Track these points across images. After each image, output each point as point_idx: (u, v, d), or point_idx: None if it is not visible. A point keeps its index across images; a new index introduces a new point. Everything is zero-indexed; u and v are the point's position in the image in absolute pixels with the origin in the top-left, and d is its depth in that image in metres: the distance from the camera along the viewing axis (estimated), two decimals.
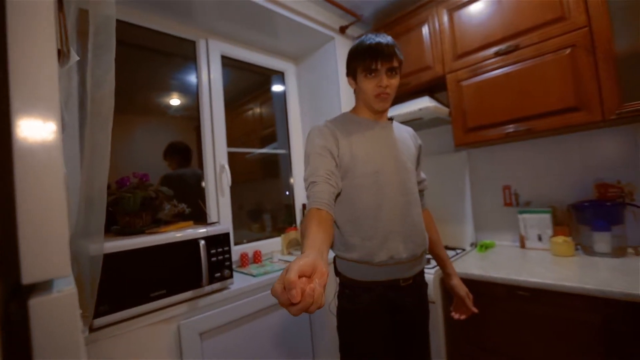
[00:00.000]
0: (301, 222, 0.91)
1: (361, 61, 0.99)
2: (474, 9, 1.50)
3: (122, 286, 0.95)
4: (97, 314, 0.89)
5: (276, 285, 0.48)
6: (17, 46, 0.28)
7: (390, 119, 1.11)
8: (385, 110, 1.07)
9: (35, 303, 0.28)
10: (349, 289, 1.01)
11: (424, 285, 1.10)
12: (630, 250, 1.32)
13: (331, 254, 1.07)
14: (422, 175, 1.18)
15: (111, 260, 0.92)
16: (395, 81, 1.01)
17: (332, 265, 1.11)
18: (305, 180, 0.96)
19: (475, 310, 1.15)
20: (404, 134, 1.12)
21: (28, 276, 0.27)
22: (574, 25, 1.23)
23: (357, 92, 1.07)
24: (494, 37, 1.44)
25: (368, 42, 0.98)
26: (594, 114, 1.20)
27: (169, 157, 1.57)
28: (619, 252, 1.30)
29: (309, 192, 0.92)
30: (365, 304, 0.98)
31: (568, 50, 1.25)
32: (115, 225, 1.14)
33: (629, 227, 1.34)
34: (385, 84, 0.98)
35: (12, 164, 0.27)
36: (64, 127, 0.77)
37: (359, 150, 0.99)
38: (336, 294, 1.07)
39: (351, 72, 1.05)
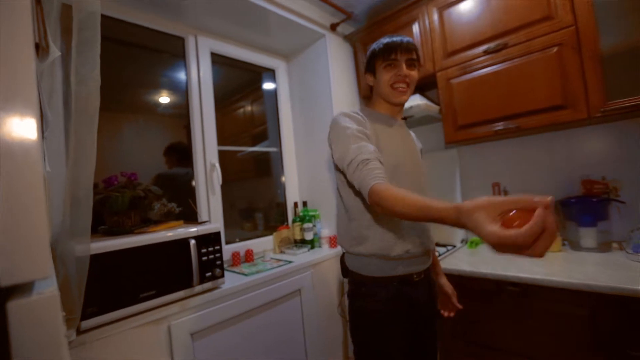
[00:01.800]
0: (376, 196, 0.80)
1: (381, 54, 1.02)
2: (463, 7, 1.51)
3: (110, 287, 0.94)
4: (85, 316, 0.87)
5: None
6: None
7: (404, 119, 1.14)
8: (401, 105, 1.08)
9: (14, 306, 0.27)
10: (364, 287, 0.99)
11: (433, 280, 1.11)
12: (615, 245, 1.36)
13: (338, 251, 1.07)
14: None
15: (99, 260, 0.90)
16: (415, 73, 1.03)
17: (340, 264, 1.11)
18: (351, 161, 0.88)
19: (460, 306, 1.16)
20: (412, 136, 1.18)
21: (6, 278, 0.27)
22: (560, 25, 1.25)
23: (375, 87, 1.08)
24: (483, 35, 1.45)
25: (388, 39, 1.03)
26: (580, 111, 1.23)
27: (167, 155, 1.57)
28: (604, 247, 1.33)
29: (363, 171, 0.85)
30: (383, 301, 0.96)
31: (555, 49, 1.27)
32: (103, 225, 1.12)
33: (614, 222, 1.37)
34: (404, 73, 1.00)
35: None
36: (47, 125, 0.75)
37: (383, 141, 0.99)
38: (346, 294, 1.07)
39: (370, 68, 1.07)
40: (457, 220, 0.60)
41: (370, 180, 0.82)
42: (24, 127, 0.27)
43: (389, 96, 1.04)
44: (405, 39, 1.02)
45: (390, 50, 1.01)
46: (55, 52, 0.59)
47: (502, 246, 0.51)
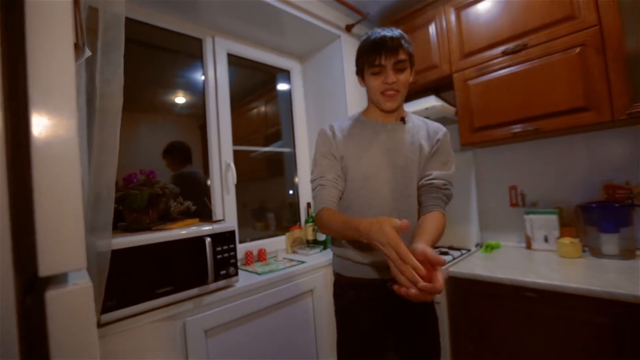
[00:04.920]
0: (318, 219, 0.98)
1: (366, 58, 0.95)
2: (481, 7, 1.49)
3: (128, 282, 0.96)
4: (104, 310, 0.90)
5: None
6: (35, 38, 0.28)
7: (403, 119, 1.04)
8: (394, 110, 1.01)
9: (52, 295, 0.28)
10: (337, 285, 1.06)
11: None
12: (639, 252, 1.31)
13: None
14: (435, 172, 0.99)
15: (118, 256, 0.92)
16: (404, 76, 0.95)
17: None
18: (312, 181, 1.03)
19: (436, 287, 0.66)
20: (420, 133, 1.03)
21: (45, 269, 0.28)
22: (583, 24, 1.22)
23: (367, 92, 1.04)
24: (502, 36, 1.43)
25: (373, 37, 0.94)
26: (604, 114, 1.19)
27: (169, 156, 1.56)
28: (627, 254, 1.29)
29: (317, 194, 1.00)
30: (352, 301, 1.01)
31: (577, 50, 1.24)
32: (122, 221, 1.14)
33: (638, 228, 1.32)
34: (391, 80, 0.93)
35: (30, 156, 0.27)
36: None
37: (352, 155, 1.01)
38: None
39: (359, 71, 1.01)
40: (363, 231, 0.77)
41: (319, 205, 0.98)
42: (63, 126, 0.29)
43: (379, 103, 0.99)
44: (391, 33, 0.92)
45: (374, 54, 0.92)
46: (87, 52, 0.61)
47: (387, 245, 0.70)
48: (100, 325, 0.91)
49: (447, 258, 1.50)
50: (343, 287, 1.04)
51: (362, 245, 0.88)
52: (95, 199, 0.83)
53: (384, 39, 0.92)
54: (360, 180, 0.99)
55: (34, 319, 0.29)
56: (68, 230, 0.29)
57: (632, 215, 1.31)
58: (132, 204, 1.08)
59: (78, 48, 0.53)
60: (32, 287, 0.32)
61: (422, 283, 0.64)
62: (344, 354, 1.01)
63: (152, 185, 1.15)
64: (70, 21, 0.29)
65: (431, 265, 0.68)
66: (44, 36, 0.28)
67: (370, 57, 0.94)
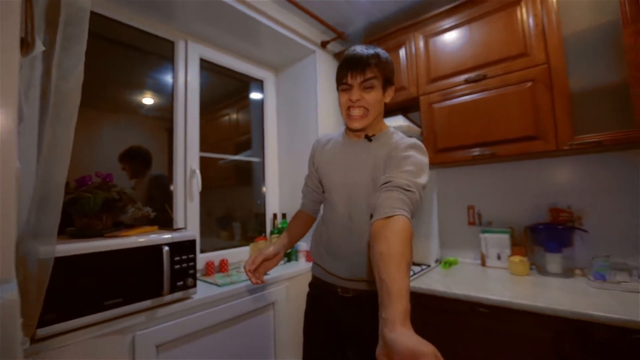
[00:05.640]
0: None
1: (337, 74, 0.96)
2: (448, 37, 1.59)
3: (73, 293, 0.88)
4: (43, 323, 0.82)
5: None
6: None
7: (368, 137, 1.00)
8: (361, 130, 0.98)
9: None
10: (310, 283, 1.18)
11: (372, 304, 0.77)
12: (577, 271, 1.43)
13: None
14: (396, 173, 0.83)
15: (63, 264, 0.85)
16: (371, 96, 0.92)
17: None
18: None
19: None
20: (381, 152, 0.96)
21: None
22: (534, 62, 1.34)
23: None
24: (465, 65, 1.53)
25: (347, 53, 0.95)
26: (550, 143, 1.31)
27: (128, 161, 1.46)
28: (568, 272, 1.40)
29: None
30: (309, 300, 1.14)
31: (529, 84, 1.35)
32: (72, 226, 1.06)
33: (577, 250, 1.44)
34: (355, 98, 0.91)
35: None
36: (21, 119, 0.71)
37: (323, 168, 1.09)
38: None
39: (337, 87, 0.99)
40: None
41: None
42: (1, 123, 0.26)
43: (346, 121, 0.98)
44: (364, 52, 0.91)
45: (343, 71, 0.93)
46: (40, 47, 0.58)
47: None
48: (36, 340, 0.83)
49: None
50: (311, 284, 1.18)
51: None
52: (41, 201, 0.77)
53: (354, 57, 0.92)
54: (327, 193, 1.09)
55: None
56: None
57: (573, 237, 1.43)
58: (84, 207, 1.01)
59: (27, 44, 0.50)
60: None
61: None
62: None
63: (109, 189, 1.09)
64: (17, 17, 0.27)
65: None
66: None
67: (339, 74, 0.95)
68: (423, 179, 0.84)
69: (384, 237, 0.66)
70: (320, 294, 1.09)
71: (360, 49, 0.94)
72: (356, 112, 0.94)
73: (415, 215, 0.78)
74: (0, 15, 0.26)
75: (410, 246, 0.66)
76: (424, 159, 0.91)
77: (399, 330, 0.47)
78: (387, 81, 0.96)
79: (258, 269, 1.09)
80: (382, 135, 1.00)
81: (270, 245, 1.17)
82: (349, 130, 1.04)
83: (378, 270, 0.61)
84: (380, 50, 0.95)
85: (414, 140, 0.96)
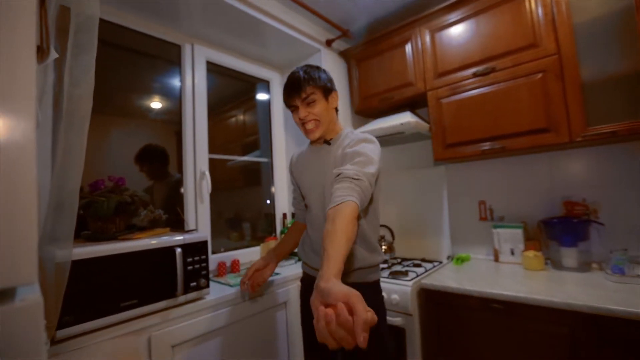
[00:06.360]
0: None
1: (284, 99, 1.09)
2: (454, 31, 1.57)
3: (90, 295, 0.90)
4: (61, 325, 0.84)
5: None
6: None
7: (326, 141, 1.11)
8: (318, 139, 1.11)
9: None
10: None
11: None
12: (594, 265, 1.40)
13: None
14: (346, 166, 0.92)
15: (80, 267, 0.87)
16: (316, 109, 1.04)
17: None
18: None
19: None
20: (340, 150, 1.05)
21: None
22: (544, 52, 1.32)
23: None
24: (473, 58, 1.51)
25: (287, 80, 1.07)
26: (562, 135, 1.28)
27: (147, 162, 1.50)
28: (584, 267, 1.37)
29: None
30: (300, 294, 1.24)
31: (539, 75, 1.33)
32: (86, 230, 1.08)
33: (594, 243, 1.41)
34: (302, 115, 1.04)
35: None
36: (37, 125, 0.73)
37: (299, 177, 1.19)
38: None
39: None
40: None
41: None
42: (20, 130, 0.27)
43: (304, 135, 1.10)
44: (298, 74, 1.03)
45: (285, 95, 1.07)
46: (54, 54, 0.59)
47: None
48: (55, 341, 0.85)
49: (420, 270, 1.53)
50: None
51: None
52: (57, 206, 0.79)
53: (292, 82, 1.05)
54: (305, 198, 1.18)
55: None
56: (19, 242, 0.27)
57: (589, 230, 1.40)
58: (98, 211, 1.03)
59: (42, 51, 0.51)
60: None
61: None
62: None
63: (121, 192, 1.11)
64: (33, 24, 0.28)
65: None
66: (4, 39, 0.27)
67: (285, 99, 1.08)
68: (371, 169, 0.92)
69: (331, 219, 0.78)
70: (308, 289, 1.09)
71: (293, 73, 1.06)
72: (309, 125, 1.06)
73: (366, 200, 0.88)
74: (15, 20, 0.27)
75: (353, 225, 0.78)
76: (374, 147, 1.00)
77: (333, 281, 0.59)
78: (326, 90, 1.07)
79: (252, 278, 1.22)
80: (339, 137, 1.12)
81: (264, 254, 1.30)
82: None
83: (323, 243, 0.74)
84: (311, 67, 1.08)
85: (364, 135, 1.06)
